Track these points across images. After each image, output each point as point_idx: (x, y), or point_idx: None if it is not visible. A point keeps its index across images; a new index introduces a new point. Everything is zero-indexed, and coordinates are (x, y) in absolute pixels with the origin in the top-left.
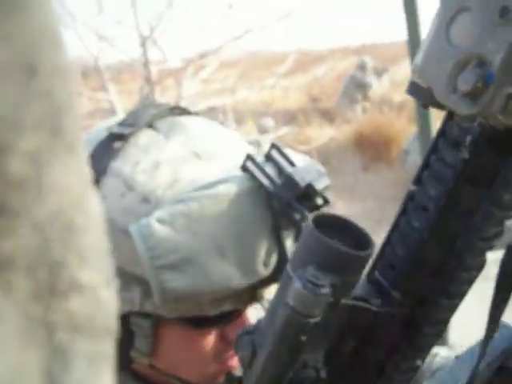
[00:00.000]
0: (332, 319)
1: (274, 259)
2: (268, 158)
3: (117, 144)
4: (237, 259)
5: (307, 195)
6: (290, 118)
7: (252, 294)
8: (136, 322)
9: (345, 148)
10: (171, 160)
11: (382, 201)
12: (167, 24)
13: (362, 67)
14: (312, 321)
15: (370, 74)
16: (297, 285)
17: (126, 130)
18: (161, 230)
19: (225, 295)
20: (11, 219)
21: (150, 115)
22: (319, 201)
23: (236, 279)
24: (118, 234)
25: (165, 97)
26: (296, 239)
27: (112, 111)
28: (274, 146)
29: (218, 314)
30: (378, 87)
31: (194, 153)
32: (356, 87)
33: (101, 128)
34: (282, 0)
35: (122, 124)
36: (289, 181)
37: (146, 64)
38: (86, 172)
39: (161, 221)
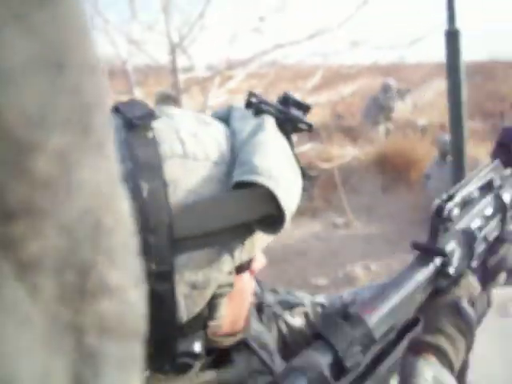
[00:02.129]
0: None
1: None
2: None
3: (150, 134)
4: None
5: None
6: (313, 134)
7: None
8: None
9: (366, 168)
10: (197, 127)
11: (399, 223)
12: (198, 33)
13: (385, 89)
14: None
15: (392, 96)
16: None
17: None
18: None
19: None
20: (38, 220)
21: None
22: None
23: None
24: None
25: (190, 104)
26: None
27: None
28: (251, 94)
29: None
30: (401, 109)
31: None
32: (378, 108)
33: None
34: (314, 16)
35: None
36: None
37: (173, 71)
38: (115, 170)
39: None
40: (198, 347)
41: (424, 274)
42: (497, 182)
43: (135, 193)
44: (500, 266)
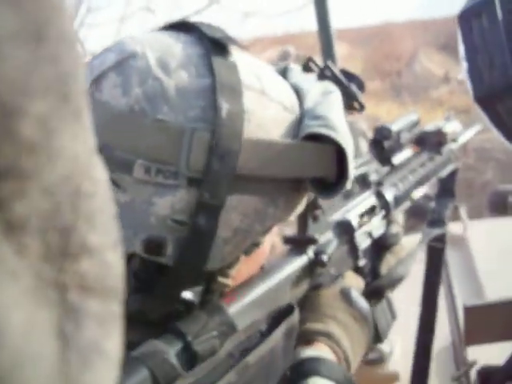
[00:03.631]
0: None
1: None
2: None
3: (231, 57)
4: None
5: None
6: None
7: None
8: None
9: None
10: (266, 70)
11: None
12: (84, 15)
13: (284, 57)
14: None
15: (292, 63)
16: None
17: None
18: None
19: None
20: (23, 181)
21: None
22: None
23: None
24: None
25: None
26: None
27: None
28: (310, 59)
29: None
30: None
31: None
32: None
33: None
34: None
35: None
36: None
37: None
38: (91, 139)
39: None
40: (195, 298)
41: (295, 264)
42: (373, 177)
43: (212, 110)
44: (391, 278)
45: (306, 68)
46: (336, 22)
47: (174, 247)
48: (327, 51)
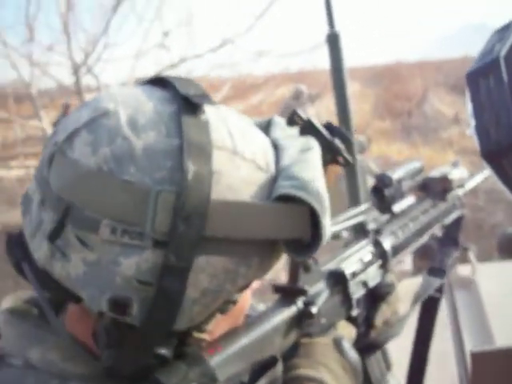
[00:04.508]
0: None
1: None
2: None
3: (203, 116)
4: None
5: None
6: None
7: None
8: None
9: None
10: (244, 126)
11: None
12: (102, 51)
13: (297, 95)
14: None
15: (304, 102)
16: None
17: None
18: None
19: None
20: None
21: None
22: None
23: None
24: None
25: None
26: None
27: (45, 139)
28: (294, 112)
29: None
30: (312, 114)
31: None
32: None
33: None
34: (219, 30)
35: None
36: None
37: (78, 91)
38: None
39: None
40: (169, 353)
41: (283, 314)
42: (371, 226)
43: (178, 172)
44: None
45: (291, 121)
46: (348, 60)
47: (140, 307)
48: (339, 90)
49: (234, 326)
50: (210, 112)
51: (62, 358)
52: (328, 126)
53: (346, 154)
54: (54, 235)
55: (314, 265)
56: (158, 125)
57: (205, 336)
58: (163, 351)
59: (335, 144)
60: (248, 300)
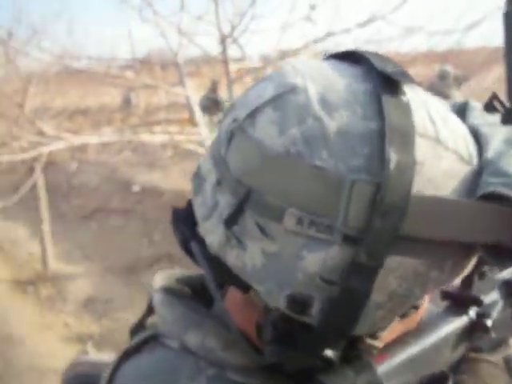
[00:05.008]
0: None
1: None
2: None
3: (404, 97)
4: None
5: None
6: None
7: None
8: None
9: None
10: (445, 112)
11: None
12: (248, 23)
13: (442, 76)
14: None
15: (449, 83)
16: None
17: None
18: None
19: None
20: None
21: None
22: None
23: None
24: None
25: None
26: None
27: (188, 106)
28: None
29: None
30: (458, 97)
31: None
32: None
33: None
34: (366, 2)
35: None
36: None
37: (224, 61)
38: None
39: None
40: (336, 356)
41: (454, 325)
42: None
43: (378, 160)
44: None
45: (489, 107)
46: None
47: (321, 308)
48: None
49: (406, 331)
50: (409, 93)
51: (222, 346)
52: None
53: None
54: (232, 220)
55: (488, 272)
56: (352, 105)
57: (377, 343)
58: (330, 354)
59: None
60: (426, 304)
